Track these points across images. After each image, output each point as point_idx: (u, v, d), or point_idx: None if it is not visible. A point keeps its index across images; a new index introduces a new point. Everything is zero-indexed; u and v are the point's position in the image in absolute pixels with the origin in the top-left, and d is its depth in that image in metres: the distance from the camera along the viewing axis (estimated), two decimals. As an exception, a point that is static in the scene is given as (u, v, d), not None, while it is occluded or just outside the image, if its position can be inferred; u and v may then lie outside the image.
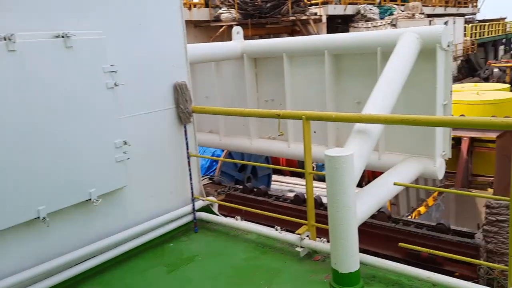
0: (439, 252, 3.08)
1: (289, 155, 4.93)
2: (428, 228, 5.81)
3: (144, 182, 3.67)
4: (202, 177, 5.46)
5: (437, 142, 3.58)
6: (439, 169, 3.68)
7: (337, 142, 4.41)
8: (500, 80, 25.56)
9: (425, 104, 3.52)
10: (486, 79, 27.28)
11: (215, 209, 4.10)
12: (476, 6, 47.20)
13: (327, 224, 2.66)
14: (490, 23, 41.85)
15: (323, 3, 22.37)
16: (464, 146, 11.82)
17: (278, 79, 4.84)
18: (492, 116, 11.26)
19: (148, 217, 3.72)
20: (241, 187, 6.92)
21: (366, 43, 3.87)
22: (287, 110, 4.70)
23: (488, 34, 40.22)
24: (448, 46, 3.48)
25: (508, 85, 14.68)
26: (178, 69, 3.84)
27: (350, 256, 2.66)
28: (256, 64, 5.03)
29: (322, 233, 3.32)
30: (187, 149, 3.91)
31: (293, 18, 20.01)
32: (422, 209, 8.82)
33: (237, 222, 3.72)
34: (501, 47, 44.84)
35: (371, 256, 2.97)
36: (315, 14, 21.66)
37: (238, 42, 5.02)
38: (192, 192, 3.98)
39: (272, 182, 10.28)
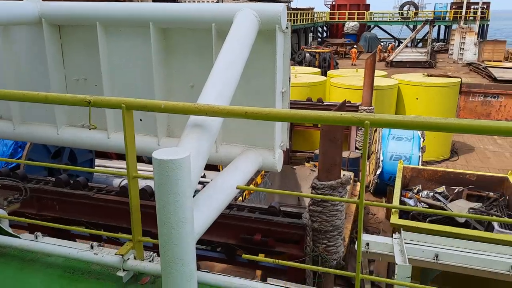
0: (297, 265, 2.80)
1: (110, 147, 4.08)
2: (261, 212, 5.80)
3: None
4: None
5: (276, 133, 3.34)
6: (278, 161, 3.46)
7: (168, 131, 3.80)
8: (311, 64, 28.69)
9: (264, 91, 3.21)
10: (300, 63, 30.29)
11: (5, 225, 3.05)
12: (290, -6, 51.91)
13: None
14: (301, 11, 46.63)
15: (147, -27, 20.91)
16: (285, 125, 12.70)
17: (91, 54, 3.87)
18: (308, 97, 12.28)
19: None
20: (53, 179, 5.71)
21: (199, 17, 3.31)
22: (104, 92, 3.82)
23: (300, 22, 44.76)
24: (287, 28, 3.23)
25: (318, 69, 16.32)
26: None
27: (187, 281, 2.16)
28: (61, 33, 3.94)
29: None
30: (-46, 147, 2.75)
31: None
32: (252, 188, 8.99)
33: (35, 243, 2.79)
34: (310, 34, 50.66)
35: (212, 274, 2.52)
36: (139, -17, 20.11)
37: (32, 2, 3.81)
38: (-35, 207, 2.85)
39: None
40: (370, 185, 11.00)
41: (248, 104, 2.78)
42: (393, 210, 6.68)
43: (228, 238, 5.78)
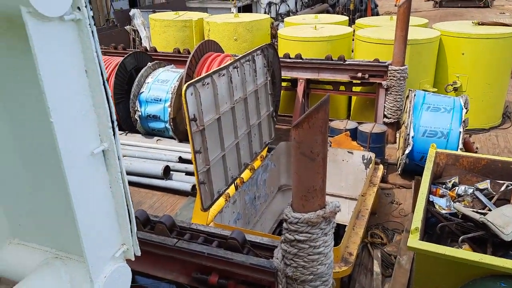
0: None
1: None
2: (220, 243, 4.31)
3: None
4: None
5: (96, 233, 1.59)
6: None
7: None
8: (345, 7, 25.62)
9: (41, 154, 1.56)
10: (333, 6, 27.20)
11: None
12: None
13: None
14: None
15: None
16: (300, 88, 10.81)
17: None
18: (327, 55, 10.22)
19: None
20: None
21: None
22: None
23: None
24: (79, 9, 1.46)
25: (346, 18, 13.90)
26: None
27: None
28: None
29: None
30: None
31: None
32: (246, 174, 7.45)
33: None
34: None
35: None
36: None
37: None
38: None
39: None
40: (398, 164, 9.12)
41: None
42: (412, 227, 4.94)
43: (178, 276, 4.37)
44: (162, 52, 11.43)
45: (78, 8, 1.42)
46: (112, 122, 1.54)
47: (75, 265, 1.73)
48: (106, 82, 1.50)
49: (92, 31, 1.45)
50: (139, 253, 1.85)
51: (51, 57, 1.39)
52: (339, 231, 6.48)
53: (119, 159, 1.58)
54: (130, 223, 1.74)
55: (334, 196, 7.89)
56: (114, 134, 1.55)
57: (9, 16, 1.32)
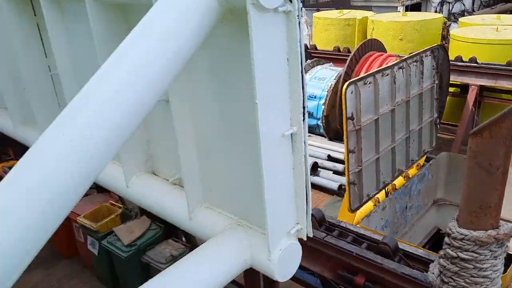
0: None
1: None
2: (369, 246, 4.20)
3: None
4: None
5: (279, 206, 1.69)
6: (279, 264, 1.81)
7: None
8: (536, 7, 21.95)
9: (242, 133, 1.68)
10: (521, 5, 23.60)
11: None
12: None
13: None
14: None
15: None
16: (472, 95, 9.75)
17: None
18: (509, 61, 9.00)
19: None
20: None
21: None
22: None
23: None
24: (290, 1, 1.53)
25: (538, 18, 11.94)
26: None
27: None
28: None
29: None
30: None
31: None
32: (399, 181, 7.10)
33: None
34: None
35: None
36: None
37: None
38: None
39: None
40: None
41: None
42: None
43: (323, 270, 4.44)
44: (322, 50, 11.58)
45: (290, 0, 1.55)
46: (304, 108, 1.65)
47: (255, 234, 1.91)
48: (304, 70, 1.60)
49: (299, 22, 1.57)
50: (311, 234, 1.94)
51: (263, 45, 1.54)
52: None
53: (304, 144, 1.69)
54: (307, 205, 1.84)
55: (502, 219, 6.94)
56: (303, 120, 1.65)
57: (234, 8, 1.53)
